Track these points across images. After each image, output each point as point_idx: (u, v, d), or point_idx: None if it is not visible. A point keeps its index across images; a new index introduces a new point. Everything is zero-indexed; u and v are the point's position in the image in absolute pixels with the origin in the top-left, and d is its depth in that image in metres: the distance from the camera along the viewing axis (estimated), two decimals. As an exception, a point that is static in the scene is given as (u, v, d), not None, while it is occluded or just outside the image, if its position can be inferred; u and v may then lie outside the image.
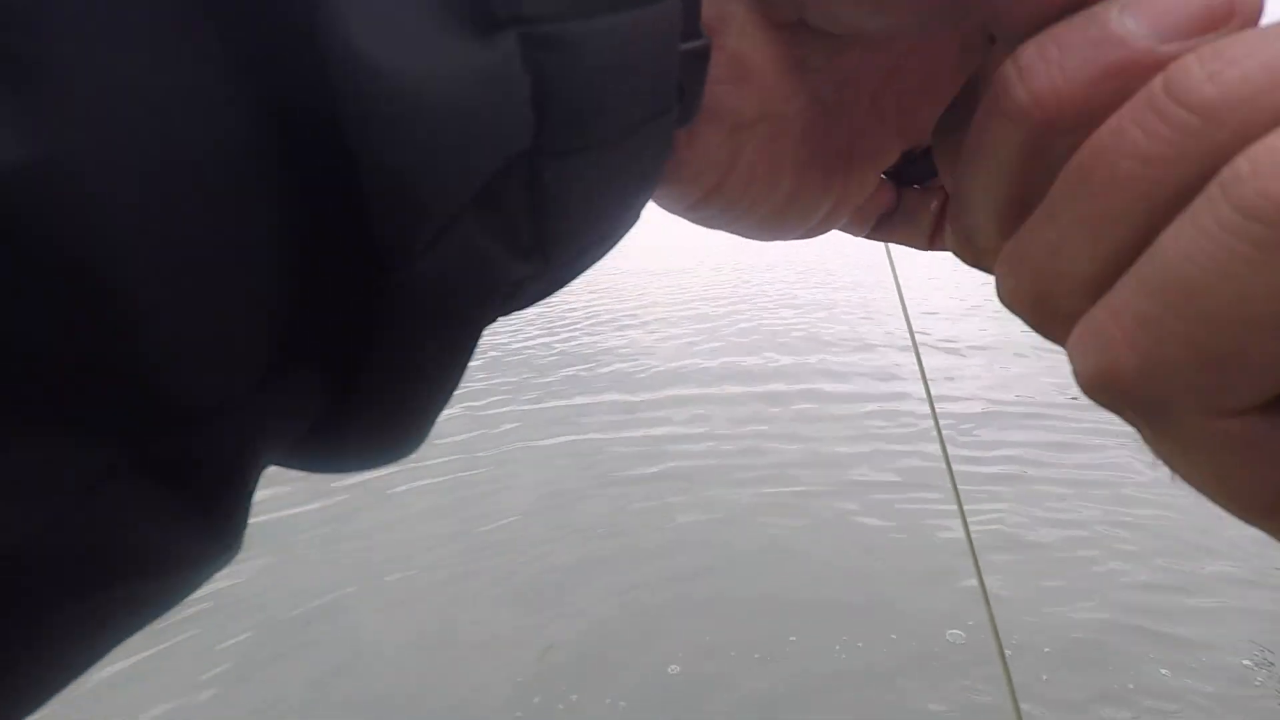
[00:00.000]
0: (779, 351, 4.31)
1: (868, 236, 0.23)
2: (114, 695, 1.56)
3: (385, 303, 0.11)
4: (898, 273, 0.63)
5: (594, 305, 5.77)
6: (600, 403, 3.50)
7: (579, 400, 3.49)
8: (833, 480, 2.52)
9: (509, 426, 3.18)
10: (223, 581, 1.94)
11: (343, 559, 2.12)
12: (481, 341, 0.14)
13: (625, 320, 5.24)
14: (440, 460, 2.76)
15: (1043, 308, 0.12)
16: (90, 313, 0.08)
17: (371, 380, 0.12)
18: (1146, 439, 0.12)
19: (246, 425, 0.10)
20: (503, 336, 4.48)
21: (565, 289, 0.16)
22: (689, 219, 0.19)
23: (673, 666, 1.68)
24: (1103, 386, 0.11)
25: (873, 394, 3.37)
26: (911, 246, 0.23)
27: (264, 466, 0.12)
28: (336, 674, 1.67)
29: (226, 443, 0.10)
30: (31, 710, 0.10)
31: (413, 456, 0.14)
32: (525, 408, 3.43)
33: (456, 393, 0.14)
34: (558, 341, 4.56)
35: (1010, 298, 0.13)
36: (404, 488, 2.50)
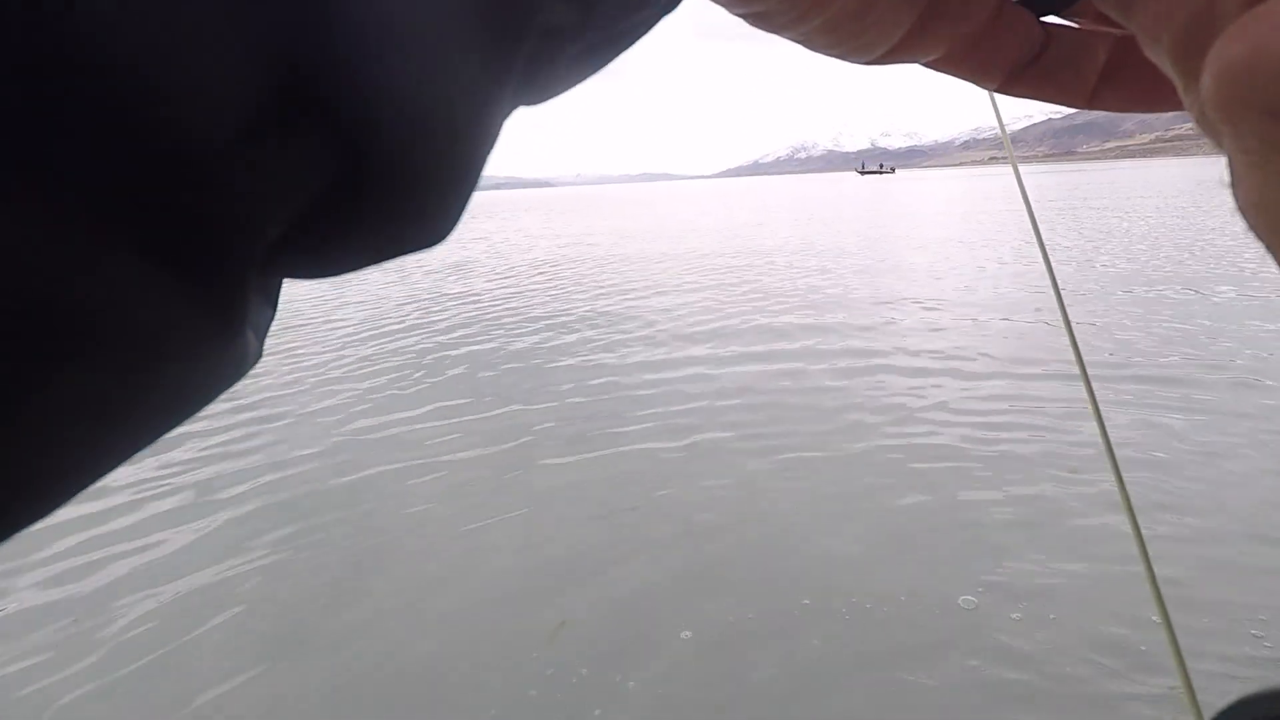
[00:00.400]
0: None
1: (1002, 89, 0.18)
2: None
3: (398, 30, 0.09)
4: (1047, 250, 0.60)
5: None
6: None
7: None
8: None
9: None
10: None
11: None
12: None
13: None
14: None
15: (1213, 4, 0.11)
16: (36, 15, 0.07)
17: (385, 134, 0.10)
18: (1246, 150, 0.11)
19: (238, 184, 0.09)
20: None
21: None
22: (745, 14, 0.15)
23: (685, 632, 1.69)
24: (1250, 70, 0.10)
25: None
26: (1065, 104, 0.18)
27: (273, 259, 0.11)
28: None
29: (215, 201, 0.09)
30: (41, 513, 0.10)
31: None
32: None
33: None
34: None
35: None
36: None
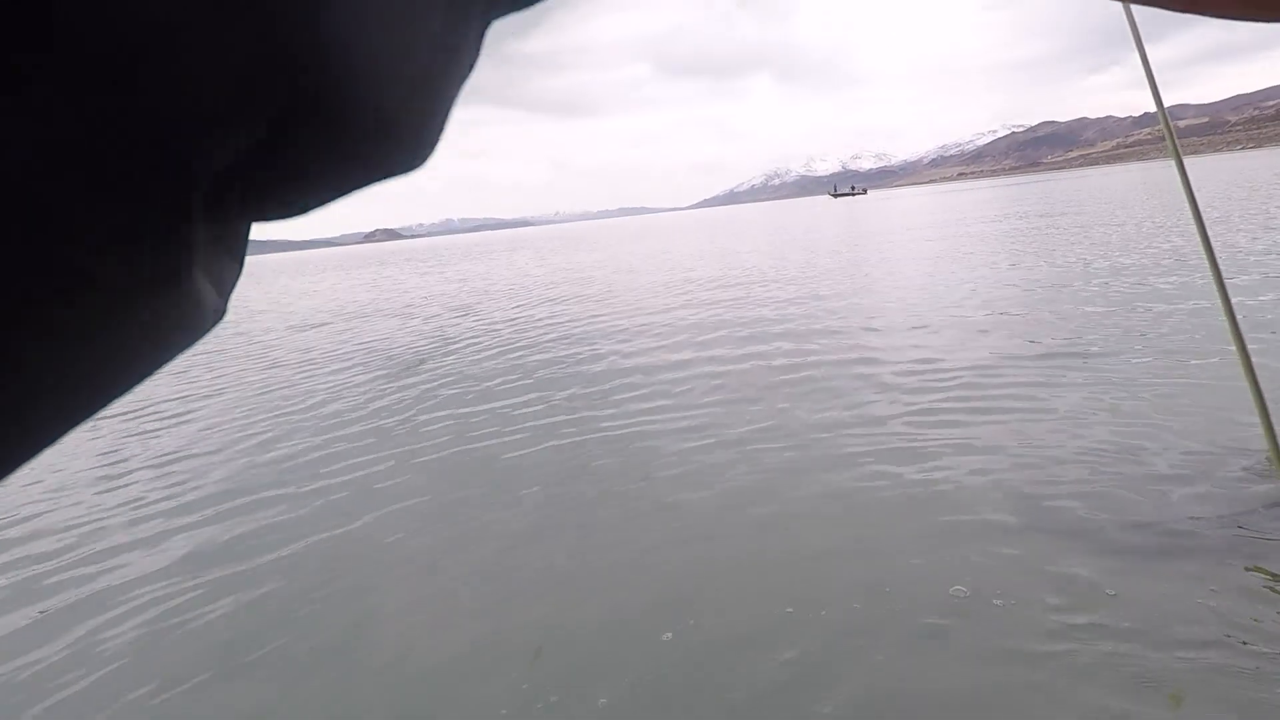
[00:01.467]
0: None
1: None
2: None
3: None
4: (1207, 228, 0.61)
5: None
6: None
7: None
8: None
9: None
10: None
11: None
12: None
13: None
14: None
15: None
16: None
17: (343, 64, 0.09)
18: None
19: (166, 92, 0.08)
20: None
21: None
22: None
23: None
24: None
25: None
26: None
27: (227, 195, 0.09)
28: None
29: (142, 112, 0.08)
30: (42, 444, 0.09)
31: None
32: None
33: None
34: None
35: None
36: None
